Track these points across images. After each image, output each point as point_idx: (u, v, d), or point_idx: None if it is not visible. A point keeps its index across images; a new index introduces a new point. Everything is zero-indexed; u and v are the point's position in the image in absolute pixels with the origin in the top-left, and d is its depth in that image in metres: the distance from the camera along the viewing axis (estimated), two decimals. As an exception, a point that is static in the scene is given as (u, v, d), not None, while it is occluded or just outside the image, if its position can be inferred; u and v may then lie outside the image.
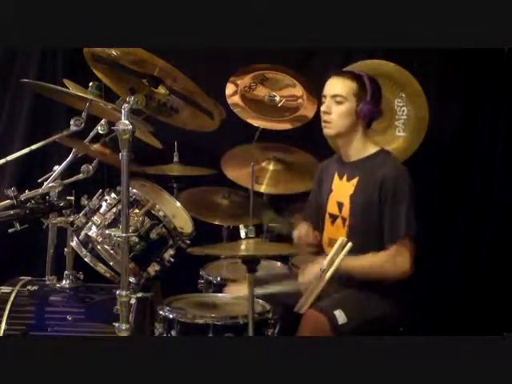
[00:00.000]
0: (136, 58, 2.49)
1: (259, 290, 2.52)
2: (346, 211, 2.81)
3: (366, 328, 2.64)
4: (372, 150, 2.84)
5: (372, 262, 2.71)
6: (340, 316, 2.59)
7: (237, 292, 2.79)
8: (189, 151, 3.76)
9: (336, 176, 2.89)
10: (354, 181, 2.81)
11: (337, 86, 2.79)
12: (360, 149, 2.83)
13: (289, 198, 3.54)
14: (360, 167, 2.82)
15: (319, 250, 2.91)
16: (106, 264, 2.84)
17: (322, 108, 2.82)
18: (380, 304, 2.71)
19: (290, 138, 3.71)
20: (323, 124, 2.82)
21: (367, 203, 2.75)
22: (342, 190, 2.84)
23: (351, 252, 2.62)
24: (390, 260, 2.70)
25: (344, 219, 2.82)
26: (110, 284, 2.89)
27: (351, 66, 3.33)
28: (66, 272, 3.00)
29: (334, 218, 2.86)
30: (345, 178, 2.85)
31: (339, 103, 2.77)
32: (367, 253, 2.70)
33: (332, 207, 2.87)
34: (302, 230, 2.97)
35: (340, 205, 2.83)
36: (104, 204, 2.89)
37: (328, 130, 2.82)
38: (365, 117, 2.79)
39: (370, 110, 2.78)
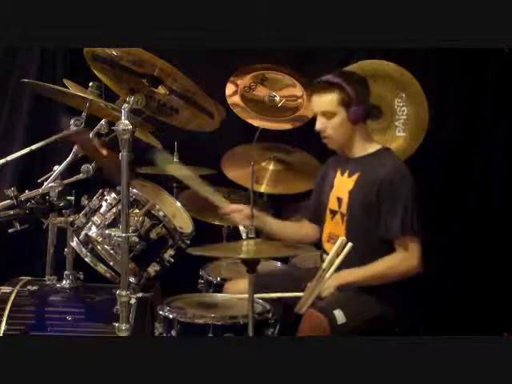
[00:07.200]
0: (136, 58, 2.50)
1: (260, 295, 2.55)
2: (344, 207, 2.81)
3: (364, 328, 2.64)
4: (374, 147, 2.85)
5: (383, 267, 2.72)
6: (339, 316, 2.59)
7: (237, 287, 2.80)
8: (189, 151, 3.76)
9: (338, 172, 2.90)
10: (355, 177, 2.82)
11: (322, 102, 2.79)
12: (361, 147, 2.84)
13: (289, 197, 3.54)
14: (362, 164, 2.82)
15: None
16: (106, 264, 2.85)
17: (317, 126, 2.82)
18: (379, 304, 2.71)
19: (290, 138, 3.71)
20: (324, 140, 2.84)
21: (365, 200, 2.75)
22: (343, 185, 2.85)
23: (351, 251, 2.62)
24: (401, 260, 2.72)
25: (343, 215, 2.82)
26: (110, 284, 2.90)
27: (351, 66, 3.33)
28: (66, 272, 3.01)
29: (333, 213, 2.86)
30: (346, 173, 2.86)
31: (330, 118, 2.78)
32: (365, 249, 2.70)
33: (332, 203, 2.87)
34: (236, 206, 2.94)
35: (340, 200, 2.84)
36: (104, 204, 2.89)
37: (331, 145, 2.86)
38: (358, 120, 2.79)
39: (361, 111, 2.77)
